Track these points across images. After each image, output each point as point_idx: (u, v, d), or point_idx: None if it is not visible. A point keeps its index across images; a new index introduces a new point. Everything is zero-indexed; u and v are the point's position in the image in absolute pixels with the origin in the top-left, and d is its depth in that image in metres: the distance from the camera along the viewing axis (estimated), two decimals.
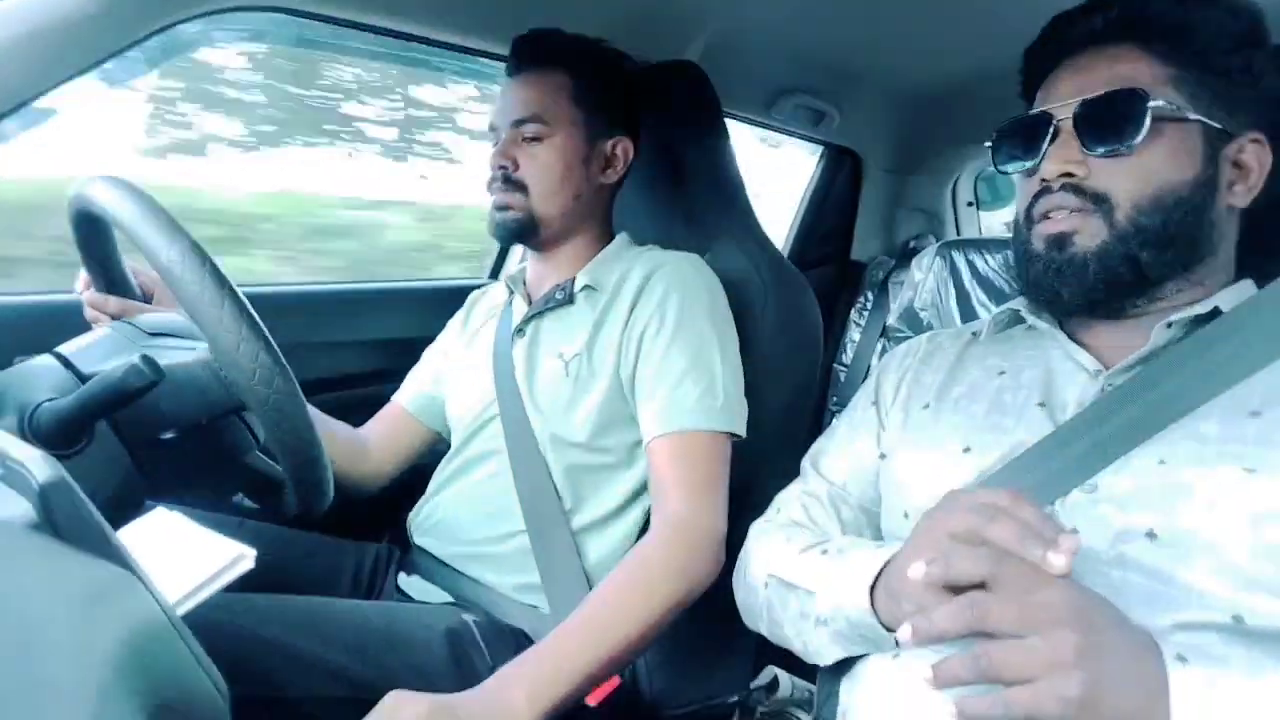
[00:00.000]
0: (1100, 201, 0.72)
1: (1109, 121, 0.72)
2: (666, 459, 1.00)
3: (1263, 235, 0.77)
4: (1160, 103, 0.70)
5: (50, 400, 0.70)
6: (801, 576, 0.79)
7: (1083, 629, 0.53)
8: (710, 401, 1.01)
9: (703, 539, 0.95)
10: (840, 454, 0.92)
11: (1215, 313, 0.70)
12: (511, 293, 1.22)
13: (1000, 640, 0.54)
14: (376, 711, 0.73)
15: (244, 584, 0.62)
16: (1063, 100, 0.75)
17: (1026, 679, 0.52)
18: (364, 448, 1.23)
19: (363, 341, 1.46)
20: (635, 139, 1.19)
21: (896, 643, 0.70)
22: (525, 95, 1.12)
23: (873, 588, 0.70)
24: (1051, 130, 0.75)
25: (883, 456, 0.87)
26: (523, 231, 1.14)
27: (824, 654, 0.78)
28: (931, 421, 0.82)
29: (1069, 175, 0.74)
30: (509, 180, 1.12)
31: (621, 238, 1.20)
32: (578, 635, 0.86)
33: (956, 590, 0.58)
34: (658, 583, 0.91)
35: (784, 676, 0.89)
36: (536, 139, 1.11)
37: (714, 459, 1.01)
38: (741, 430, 1.03)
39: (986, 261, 1.54)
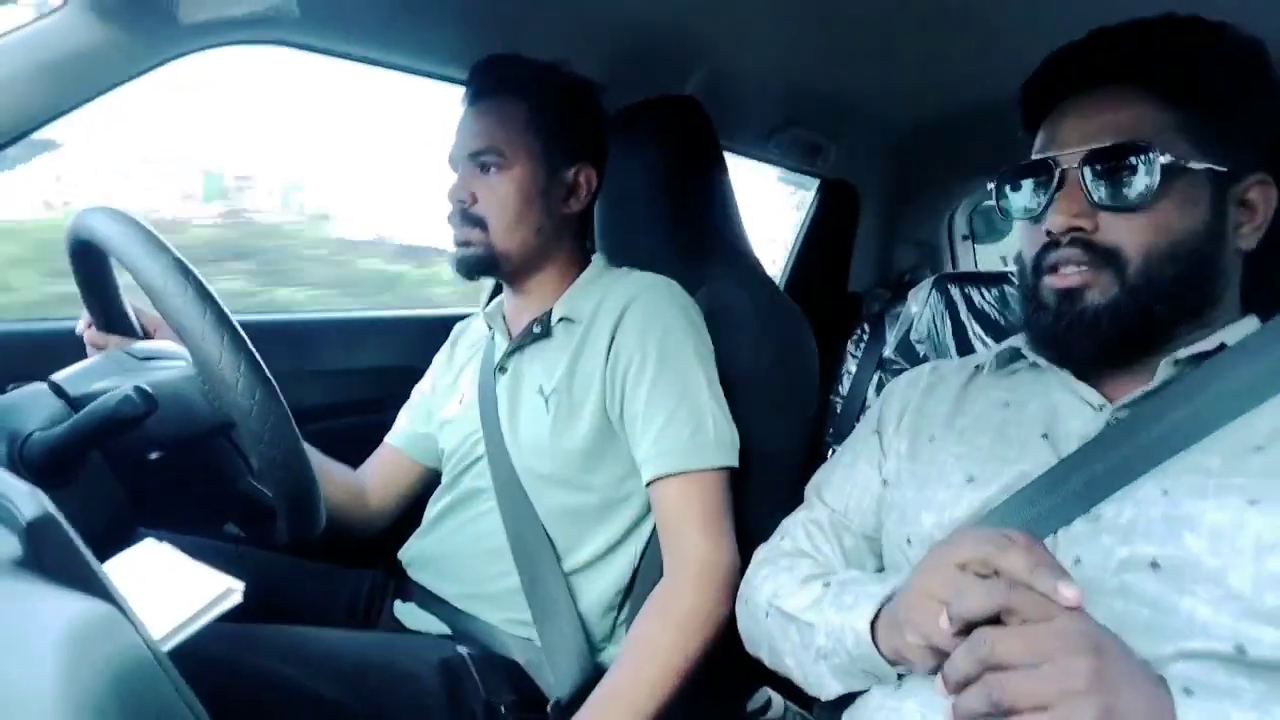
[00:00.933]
0: (1111, 257, 0.71)
1: (1117, 175, 0.70)
2: (673, 502, 0.99)
3: (1266, 272, 0.76)
4: (1167, 158, 0.69)
5: (42, 430, 0.69)
6: (802, 609, 0.79)
7: (1096, 657, 0.52)
8: (704, 438, 1.00)
9: (726, 576, 0.95)
10: (843, 481, 0.92)
11: (1220, 349, 0.70)
12: (492, 330, 1.20)
13: (1013, 670, 0.53)
14: None
15: (237, 613, 0.61)
16: (1068, 147, 0.74)
17: (1041, 706, 0.51)
18: (363, 490, 1.22)
19: (355, 370, 1.46)
20: (599, 165, 1.16)
21: (899, 675, 0.70)
22: (481, 126, 1.08)
23: (874, 621, 0.70)
24: (1057, 178, 0.74)
25: (885, 484, 0.87)
26: (484, 267, 1.10)
27: (825, 687, 0.77)
28: (935, 451, 0.82)
29: (1078, 230, 0.72)
30: (466, 215, 1.08)
31: (597, 262, 1.17)
32: (622, 694, 0.89)
33: (969, 628, 0.58)
34: (694, 629, 0.92)
35: (777, 698, 0.88)
36: (494, 171, 1.07)
37: (718, 495, 1.00)
38: (734, 461, 1.03)
39: (983, 295, 1.55)
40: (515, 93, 1.09)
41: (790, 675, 0.81)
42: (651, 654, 0.91)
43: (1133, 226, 0.71)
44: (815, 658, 0.76)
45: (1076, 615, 0.55)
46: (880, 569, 0.89)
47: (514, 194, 1.07)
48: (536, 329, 1.11)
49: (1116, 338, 0.72)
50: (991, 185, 0.81)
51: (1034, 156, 0.77)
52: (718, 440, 1.01)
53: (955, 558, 0.62)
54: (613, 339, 1.04)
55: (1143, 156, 0.69)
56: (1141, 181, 0.69)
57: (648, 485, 1.01)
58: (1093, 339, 0.72)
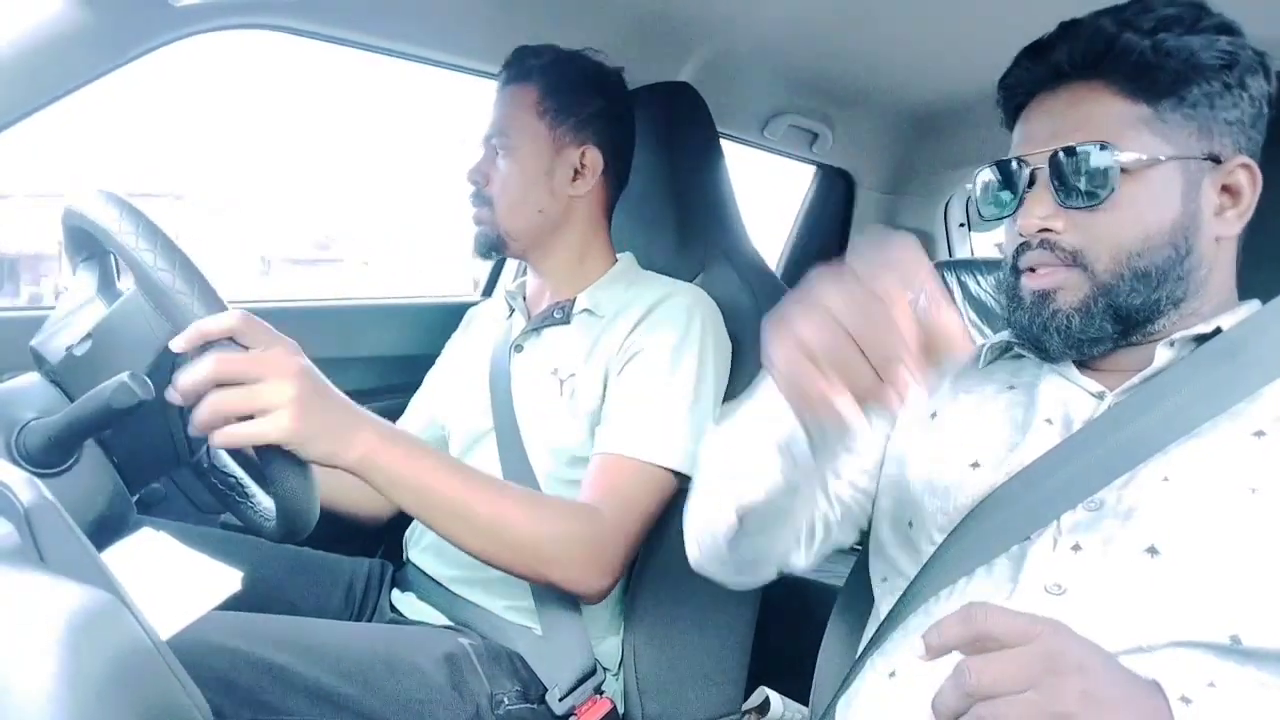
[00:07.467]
0: (1079, 258, 0.71)
1: (1078, 175, 0.70)
2: (595, 472, 0.99)
3: (1263, 251, 0.76)
4: (1128, 156, 0.69)
5: (38, 418, 0.69)
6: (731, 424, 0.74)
7: (1080, 676, 0.52)
8: (657, 433, 0.98)
9: (598, 547, 0.93)
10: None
11: (1217, 332, 0.70)
12: (511, 309, 1.21)
13: (996, 698, 0.52)
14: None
15: (235, 601, 0.62)
16: (1037, 146, 0.74)
17: None
18: None
19: (362, 358, 1.45)
20: (610, 149, 1.15)
21: (891, 674, 0.70)
22: (495, 112, 1.14)
23: None
24: (1028, 177, 0.74)
25: (886, 457, 0.85)
26: (492, 246, 1.14)
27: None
28: (939, 433, 0.81)
29: (1046, 231, 0.72)
30: (479, 195, 1.13)
31: (626, 260, 1.19)
32: (460, 474, 0.87)
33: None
34: (547, 531, 0.90)
35: (775, 698, 0.88)
36: (501, 154, 1.12)
37: (643, 490, 0.98)
38: (685, 469, 0.98)
39: (979, 282, 1.56)
40: (527, 78, 1.12)
41: (745, 501, 0.71)
42: (512, 497, 0.89)
43: (1099, 225, 0.71)
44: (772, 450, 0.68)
45: (1056, 635, 0.53)
46: (858, 542, 0.88)
47: (516, 174, 1.11)
48: (558, 315, 1.12)
49: (1089, 338, 0.72)
50: (969, 185, 0.81)
51: (1008, 155, 0.76)
52: (682, 446, 0.99)
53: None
54: (628, 335, 1.05)
55: (1101, 156, 0.69)
56: (1102, 181, 0.69)
57: (593, 457, 1.01)
58: (1064, 340, 0.73)
